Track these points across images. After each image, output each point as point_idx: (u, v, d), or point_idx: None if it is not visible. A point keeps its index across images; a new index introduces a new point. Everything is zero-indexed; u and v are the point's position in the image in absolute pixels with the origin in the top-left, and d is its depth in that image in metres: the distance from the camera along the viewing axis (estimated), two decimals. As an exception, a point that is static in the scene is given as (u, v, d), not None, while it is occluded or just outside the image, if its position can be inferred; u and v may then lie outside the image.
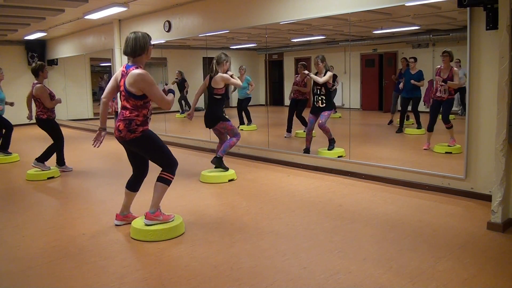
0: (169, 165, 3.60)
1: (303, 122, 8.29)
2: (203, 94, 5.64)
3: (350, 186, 5.11)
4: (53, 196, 5.31)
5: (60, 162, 6.20)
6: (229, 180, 5.40)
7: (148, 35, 3.46)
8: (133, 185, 3.79)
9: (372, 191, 4.82)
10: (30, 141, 7.50)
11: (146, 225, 3.55)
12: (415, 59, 8.07)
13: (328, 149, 6.35)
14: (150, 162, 3.73)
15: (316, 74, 6.39)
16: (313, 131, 6.58)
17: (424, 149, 6.59)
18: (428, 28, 8.59)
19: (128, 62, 3.49)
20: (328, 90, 6.34)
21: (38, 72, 5.73)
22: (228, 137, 5.56)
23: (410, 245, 3.29)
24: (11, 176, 6.27)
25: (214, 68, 5.38)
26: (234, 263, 3.03)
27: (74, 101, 12.53)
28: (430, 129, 6.57)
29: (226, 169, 5.51)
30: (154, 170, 3.76)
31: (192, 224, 3.86)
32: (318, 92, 6.32)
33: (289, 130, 8.45)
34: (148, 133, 3.51)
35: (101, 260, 3.13)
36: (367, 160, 5.62)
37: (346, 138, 6.25)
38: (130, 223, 3.71)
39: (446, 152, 6.32)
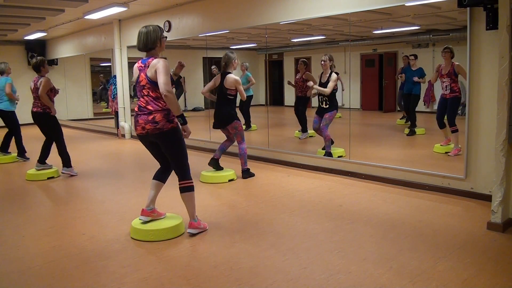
0: (183, 173, 3.53)
1: (303, 121, 8.24)
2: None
3: (350, 186, 5.11)
4: (53, 196, 5.31)
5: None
6: (229, 180, 5.40)
7: (160, 27, 3.46)
8: (162, 175, 3.69)
9: (372, 191, 4.82)
10: (31, 141, 7.50)
11: (190, 233, 3.52)
12: (416, 56, 8.08)
13: (324, 152, 6.18)
14: None
15: (321, 73, 6.36)
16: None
17: (441, 144, 6.43)
18: (428, 28, 8.59)
19: (144, 57, 3.47)
20: (332, 91, 6.29)
21: (39, 68, 5.71)
22: (236, 141, 5.54)
23: (410, 245, 3.29)
24: (11, 176, 6.27)
25: (223, 69, 5.37)
26: (234, 263, 3.03)
27: (74, 101, 12.52)
28: (440, 126, 6.40)
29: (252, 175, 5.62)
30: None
31: (192, 224, 3.85)
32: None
33: (304, 130, 8.31)
34: (179, 127, 3.49)
35: (101, 260, 3.13)
36: (367, 160, 5.61)
37: (346, 138, 6.24)
38: (157, 220, 3.66)
39: (446, 152, 6.32)
